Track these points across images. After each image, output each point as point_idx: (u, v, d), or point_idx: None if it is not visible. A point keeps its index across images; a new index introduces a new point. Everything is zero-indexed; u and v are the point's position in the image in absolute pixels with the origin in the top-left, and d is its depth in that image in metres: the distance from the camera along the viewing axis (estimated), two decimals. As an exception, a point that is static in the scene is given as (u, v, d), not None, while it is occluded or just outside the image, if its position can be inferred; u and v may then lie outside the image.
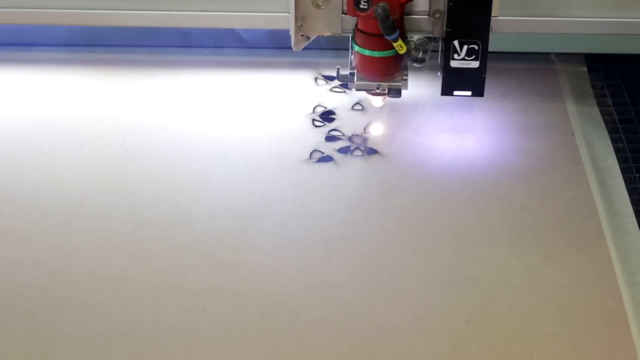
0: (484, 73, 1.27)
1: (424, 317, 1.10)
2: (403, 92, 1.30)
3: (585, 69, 1.51)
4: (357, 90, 1.32)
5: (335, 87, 1.47)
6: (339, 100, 1.44)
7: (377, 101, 1.37)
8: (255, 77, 1.49)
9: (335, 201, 1.26)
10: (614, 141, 1.36)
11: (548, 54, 1.53)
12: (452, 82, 1.28)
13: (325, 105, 1.43)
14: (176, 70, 1.51)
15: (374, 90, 1.30)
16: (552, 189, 1.27)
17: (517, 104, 1.43)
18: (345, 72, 1.31)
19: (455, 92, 1.29)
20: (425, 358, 1.06)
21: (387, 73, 1.28)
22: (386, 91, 1.30)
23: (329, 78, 1.48)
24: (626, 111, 1.43)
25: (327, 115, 1.41)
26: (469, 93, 1.29)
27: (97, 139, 1.36)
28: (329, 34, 1.29)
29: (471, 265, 1.16)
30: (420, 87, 1.46)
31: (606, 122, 1.40)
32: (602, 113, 1.42)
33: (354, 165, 1.32)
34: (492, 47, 1.53)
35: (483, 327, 1.08)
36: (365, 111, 1.42)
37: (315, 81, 1.48)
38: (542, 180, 1.29)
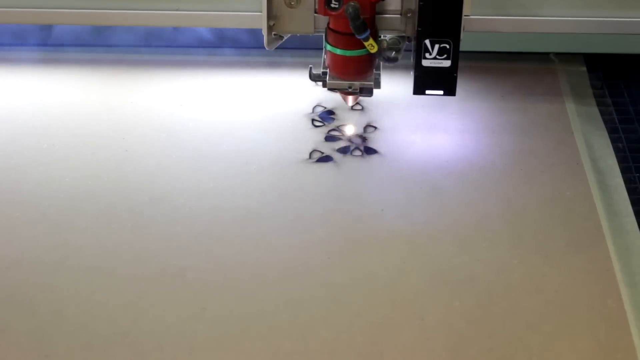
0: (456, 72, 1.26)
1: (424, 317, 1.10)
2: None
3: (584, 68, 1.51)
4: (329, 89, 1.31)
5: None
6: (339, 100, 1.44)
7: (349, 100, 1.37)
8: (254, 77, 1.49)
9: (334, 201, 1.26)
10: (613, 141, 1.36)
11: (548, 54, 1.53)
12: (424, 81, 1.28)
13: (325, 105, 1.43)
14: (176, 71, 1.51)
15: (346, 89, 1.30)
16: (552, 189, 1.27)
17: (516, 104, 1.43)
18: (317, 71, 1.30)
19: (428, 92, 1.29)
20: (425, 358, 1.06)
21: (359, 72, 1.28)
22: (358, 90, 1.30)
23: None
24: (626, 111, 1.43)
25: (327, 115, 1.41)
26: (441, 92, 1.28)
27: (96, 139, 1.36)
28: (302, 33, 1.29)
29: (471, 265, 1.16)
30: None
31: (606, 122, 1.40)
32: (602, 113, 1.42)
33: (354, 165, 1.32)
34: (491, 47, 1.54)
35: (483, 327, 1.08)
36: (364, 111, 1.42)
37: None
38: (542, 180, 1.29)
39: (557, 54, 1.52)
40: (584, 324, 1.09)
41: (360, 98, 1.43)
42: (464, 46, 1.52)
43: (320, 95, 1.45)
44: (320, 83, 1.31)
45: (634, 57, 1.52)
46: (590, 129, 1.38)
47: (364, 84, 1.28)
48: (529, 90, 1.46)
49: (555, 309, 1.11)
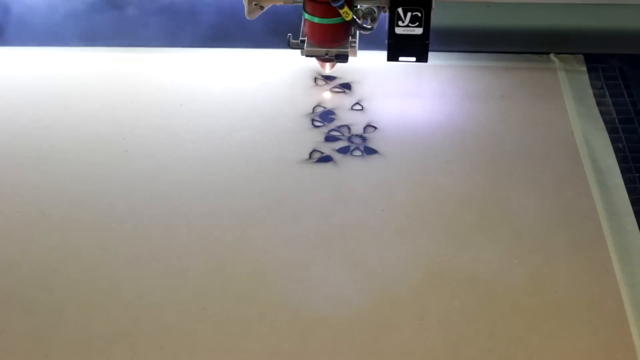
0: (428, 39, 1.31)
1: (424, 317, 1.10)
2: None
3: (584, 68, 1.50)
4: (307, 56, 1.35)
5: (335, 87, 1.47)
6: (339, 100, 1.44)
7: (326, 67, 1.41)
8: (254, 77, 1.49)
9: (334, 201, 1.26)
10: (613, 141, 1.36)
11: (548, 53, 1.53)
12: (398, 48, 1.33)
13: (325, 105, 1.43)
14: (175, 70, 1.50)
15: (323, 56, 1.35)
16: (552, 189, 1.27)
17: (516, 104, 1.43)
18: (296, 40, 1.34)
19: (401, 58, 1.34)
20: (425, 358, 1.06)
21: (335, 39, 1.33)
22: (334, 57, 1.34)
23: (328, 78, 1.48)
24: (626, 111, 1.43)
25: (327, 115, 1.41)
26: (413, 59, 1.34)
27: (96, 139, 1.36)
28: (281, 2, 1.33)
29: (471, 265, 1.16)
30: (427, 83, 1.47)
31: (606, 122, 1.40)
32: (602, 113, 1.42)
33: (354, 165, 1.32)
34: (491, 48, 1.54)
35: (483, 327, 1.08)
36: (364, 111, 1.42)
37: (315, 81, 1.48)
38: (542, 180, 1.29)
39: (558, 54, 1.52)
40: (584, 324, 1.09)
41: (361, 99, 1.44)
42: (463, 46, 1.53)
43: (320, 96, 1.45)
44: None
45: (634, 57, 1.52)
46: (590, 128, 1.38)
47: (340, 50, 1.34)
48: (529, 90, 1.46)
49: (555, 308, 1.11)
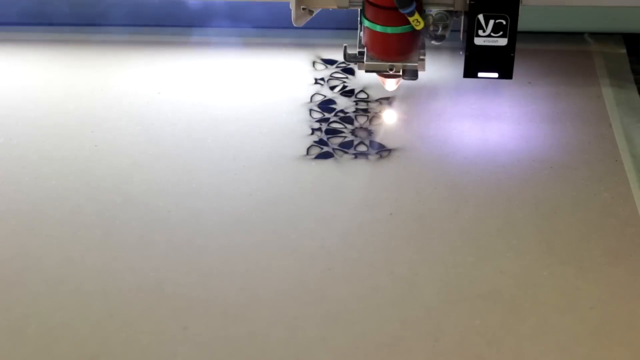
0: (513, 52, 1.28)
1: (439, 337, 1.09)
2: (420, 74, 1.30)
3: (624, 50, 1.51)
4: (367, 71, 1.32)
5: (335, 72, 1.47)
6: (341, 88, 1.44)
7: (390, 84, 1.37)
8: (244, 60, 1.49)
9: (335, 204, 1.25)
10: (657, 134, 1.36)
11: (582, 33, 1.53)
12: (476, 62, 1.30)
13: (325, 94, 1.43)
14: (152, 53, 1.51)
15: (387, 71, 1.31)
16: (587, 190, 1.27)
17: (545, 91, 1.43)
18: (353, 51, 1.31)
19: (480, 74, 1.31)
20: (440, 386, 1.05)
21: (401, 52, 1.29)
22: (400, 73, 1.30)
23: (328, 62, 1.48)
24: (671, 99, 1.43)
25: (327, 105, 1.41)
26: (496, 75, 1.30)
27: (61, 132, 1.36)
28: (335, 7, 1.30)
29: (493, 278, 1.15)
30: (438, 67, 1.47)
31: (648, 113, 1.40)
32: (644, 102, 1.42)
33: (358, 162, 1.32)
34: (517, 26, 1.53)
35: (507, 350, 1.08)
36: (370, 100, 1.42)
37: (314, 65, 1.48)
38: (574, 179, 1.28)
39: (593, 34, 1.52)
40: (625, 346, 1.08)
41: (366, 86, 1.43)
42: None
43: (319, 82, 1.45)
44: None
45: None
46: (631, 120, 1.38)
47: (407, 65, 1.30)
48: (560, 76, 1.46)
49: (591, 328, 1.10)
